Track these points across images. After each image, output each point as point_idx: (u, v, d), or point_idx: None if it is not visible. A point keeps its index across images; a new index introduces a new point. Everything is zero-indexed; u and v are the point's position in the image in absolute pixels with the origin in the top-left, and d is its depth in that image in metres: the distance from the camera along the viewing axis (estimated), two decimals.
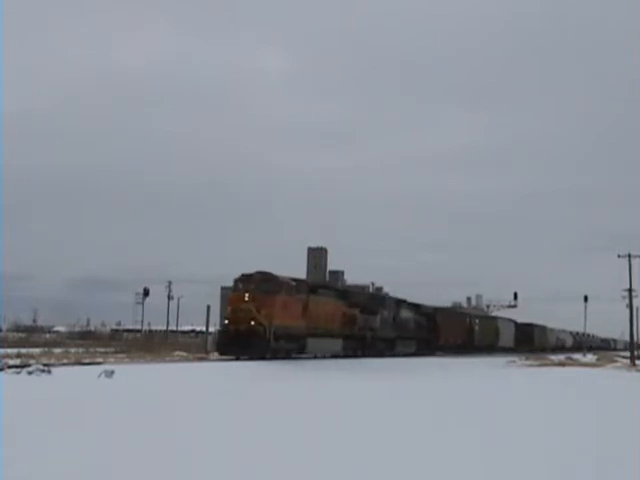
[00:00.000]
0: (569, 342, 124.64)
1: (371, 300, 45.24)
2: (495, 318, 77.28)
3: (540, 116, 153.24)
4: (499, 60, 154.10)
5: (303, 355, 36.56)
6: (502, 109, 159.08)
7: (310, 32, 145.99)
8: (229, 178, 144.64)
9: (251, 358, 31.61)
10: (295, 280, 36.04)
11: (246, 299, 32.79)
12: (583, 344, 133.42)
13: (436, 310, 57.98)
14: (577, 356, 59.08)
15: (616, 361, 50.75)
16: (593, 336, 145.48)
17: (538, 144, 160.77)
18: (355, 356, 42.28)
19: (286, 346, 34.52)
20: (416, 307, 53.69)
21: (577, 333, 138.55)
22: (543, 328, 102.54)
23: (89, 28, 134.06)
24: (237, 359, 31.90)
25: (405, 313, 50.61)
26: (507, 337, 79.72)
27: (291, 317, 34.46)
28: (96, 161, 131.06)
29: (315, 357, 39.53)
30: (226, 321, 32.79)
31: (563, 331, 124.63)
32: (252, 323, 32.18)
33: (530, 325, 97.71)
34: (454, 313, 63.24)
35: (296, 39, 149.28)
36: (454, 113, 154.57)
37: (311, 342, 36.22)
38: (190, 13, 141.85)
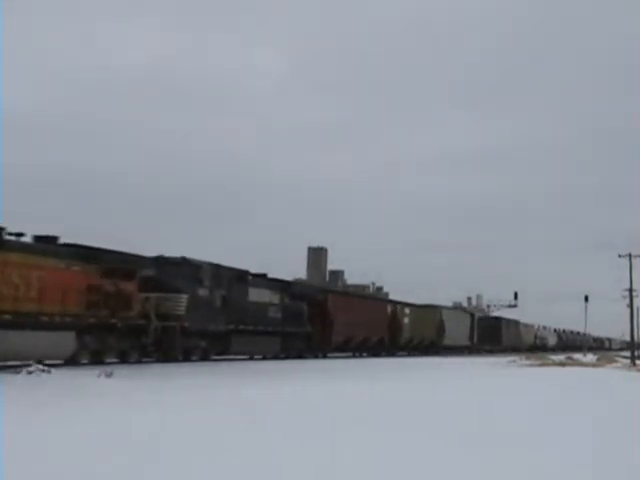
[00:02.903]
0: (552, 341, 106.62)
1: (168, 268, 27.34)
2: (439, 308, 59.51)
3: (540, 116, 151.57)
4: (499, 60, 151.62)
5: None
6: (502, 109, 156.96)
7: (308, 32, 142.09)
8: (228, 178, 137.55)
9: None
10: None
11: None
12: (570, 344, 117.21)
13: (327, 293, 40.17)
14: (577, 356, 57.61)
15: (616, 361, 49.67)
16: (584, 334, 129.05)
17: (538, 144, 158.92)
18: (125, 361, 24.67)
19: None
20: (285, 286, 35.88)
21: (564, 331, 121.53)
22: (515, 323, 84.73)
23: (89, 28, 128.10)
24: None
25: (257, 294, 32.87)
26: (458, 333, 61.94)
27: None
28: (95, 160, 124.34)
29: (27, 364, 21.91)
30: None
31: (544, 328, 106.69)
32: None
33: (496, 319, 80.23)
34: (362, 298, 45.10)
35: (294, 39, 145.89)
36: (454, 113, 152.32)
37: None
38: (189, 13, 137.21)
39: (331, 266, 61.29)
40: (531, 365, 37.53)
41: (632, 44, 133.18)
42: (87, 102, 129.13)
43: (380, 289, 63.74)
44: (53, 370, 18.46)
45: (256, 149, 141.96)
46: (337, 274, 60.68)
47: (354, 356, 45.81)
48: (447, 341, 58.79)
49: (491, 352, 73.60)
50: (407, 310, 50.70)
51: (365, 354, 46.44)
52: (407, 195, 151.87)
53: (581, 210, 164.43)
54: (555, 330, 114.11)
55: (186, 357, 27.73)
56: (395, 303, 50.12)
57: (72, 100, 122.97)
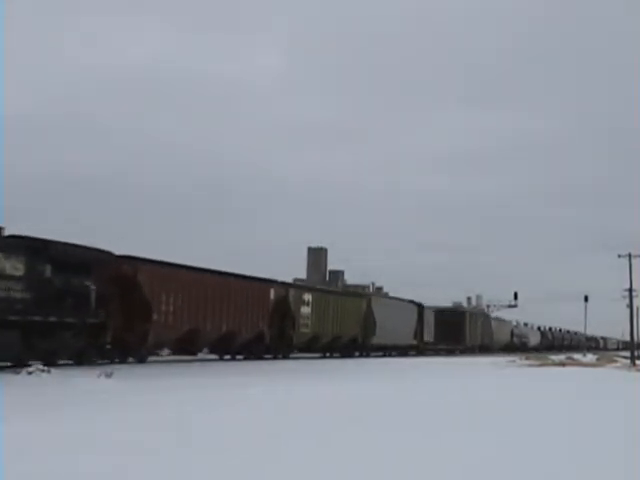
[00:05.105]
0: (534, 340, 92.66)
1: None
2: (366, 295, 45.69)
3: (540, 116, 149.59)
4: (499, 60, 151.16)
5: None
6: (502, 109, 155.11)
7: (308, 32, 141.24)
8: (228, 178, 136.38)
9: None
10: None
11: None
12: (558, 343, 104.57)
13: (137, 262, 26.22)
14: (577, 356, 57.51)
15: (616, 361, 50.23)
16: (576, 333, 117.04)
17: (538, 144, 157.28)
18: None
19: None
20: (45, 248, 21.98)
21: (550, 329, 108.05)
22: (484, 318, 70.89)
23: (89, 28, 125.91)
24: None
25: None
26: (397, 329, 48.03)
27: None
28: (94, 161, 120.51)
29: None
30: None
31: (525, 325, 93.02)
32: None
33: (458, 312, 66.33)
34: (214, 274, 30.82)
35: (295, 39, 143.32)
36: (454, 113, 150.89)
37: None
38: (189, 13, 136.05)
39: (331, 266, 62.56)
40: (530, 365, 38.37)
41: (632, 44, 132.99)
42: (87, 102, 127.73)
43: (380, 289, 62.10)
44: (53, 370, 18.55)
45: (256, 149, 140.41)
46: (337, 274, 60.74)
47: (221, 359, 32.18)
48: (379, 339, 44.92)
49: (451, 353, 60.06)
50: (308, 296, 36.77)
51: (240, 357, 32.78)
52: (407, 195, 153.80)
53: (581, 210, 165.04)
54: (539, 328, 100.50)
55: None
56: (287, 285, 36.14)
57: (72, 100, 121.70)
